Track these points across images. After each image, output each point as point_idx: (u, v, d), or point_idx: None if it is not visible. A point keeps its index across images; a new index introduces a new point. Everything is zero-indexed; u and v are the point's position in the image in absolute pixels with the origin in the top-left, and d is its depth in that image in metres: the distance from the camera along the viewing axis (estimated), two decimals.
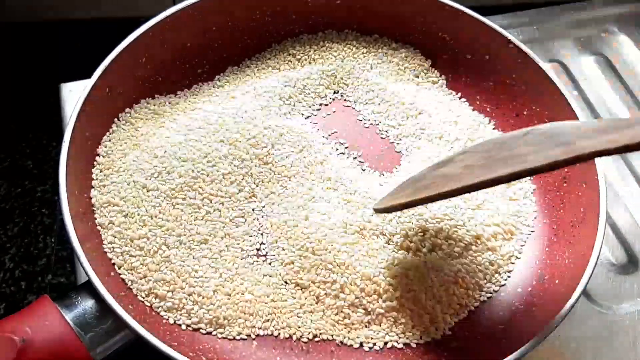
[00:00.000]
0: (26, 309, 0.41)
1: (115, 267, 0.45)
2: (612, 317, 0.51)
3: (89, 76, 0.49)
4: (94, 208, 0.47)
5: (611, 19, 0.72)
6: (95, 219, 0.47)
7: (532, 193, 0.53)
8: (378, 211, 0.46)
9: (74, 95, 0.60)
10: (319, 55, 0.60)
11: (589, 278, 0.43)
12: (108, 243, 0.46)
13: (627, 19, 0.72)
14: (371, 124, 0.56)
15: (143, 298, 0.44)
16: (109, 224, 0.46)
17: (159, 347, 0.39)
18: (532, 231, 0.51)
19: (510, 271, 0.49)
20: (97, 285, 0.40)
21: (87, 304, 0.41)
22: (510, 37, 0.55)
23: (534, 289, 0.48)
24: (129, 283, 0.45)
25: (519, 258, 0.50)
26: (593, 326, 0.50)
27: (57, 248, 0.79)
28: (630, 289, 0.53)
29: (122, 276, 0.45)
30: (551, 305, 0.44)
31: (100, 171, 0.49)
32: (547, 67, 0.54)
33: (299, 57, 0.60)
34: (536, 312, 0.46)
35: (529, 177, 0.54)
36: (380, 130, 0.56)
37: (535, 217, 0.52)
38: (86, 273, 0.41)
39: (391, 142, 0.55)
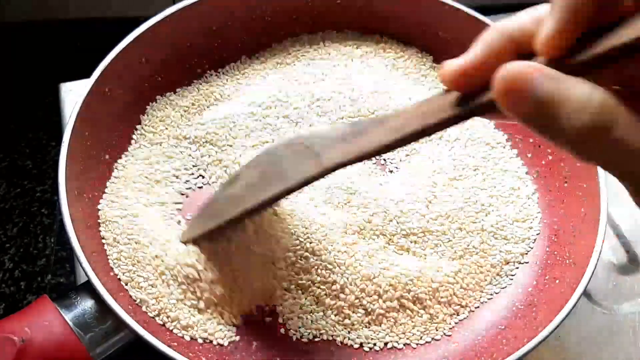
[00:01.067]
0: (26, 309, 0.41)
1: (122, 283, 0.45)
2: (613, 317, 0.51)
3: (88, 76, 0.49)
4: (99, 220, 0.47)
5: None
6: (100, 231, 0.46)
7: (534, 195, 0.53)
8: (184, 242, 0.45)
9: (73, 94, 0.60)
10: (319, 55, 0.60)
11: (590, 278, 0.43)
12: (114, 259, 0.45)
13: None
14: None
15: (153, 317, 0.44)
16: (113, 241, 0.46)
17: (158, 347, 0.39)
18: (538, 233, 0.51)
19: (514, 275, 0.49)
20: (97, 285, 0.40)
21: (86, 304, 0.41)
22: None
23: (535, 289, 0.48)
24: (137, 300, 0.44)
25: (522, 263, 0.50)
26: (594, 326, 0.50)
27: (56, 248, 0.79)
28: (631, 289, 0.52)
29: (130, 293, 0.44)
30: (552, 306, 0.44)
31: (115, 184, 0.49)
32: None
33: (299, 57, 0.60)
34: (537, 313, 0.45)
35: (530, 179, 0.54)
36: None
37: (539, 220, 0.52)
38: (85, 273, 0.41)
39: None
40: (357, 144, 0.31)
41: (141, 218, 0.47)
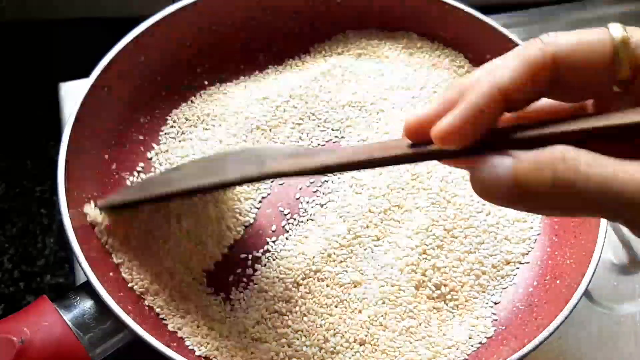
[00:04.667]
0: (25, 309, 0.41)
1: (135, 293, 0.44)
2: (614, 317, 0.51)
3: (87, 75, 0.49)
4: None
5: (612, 18, 0.71)
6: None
7: None
8: (100, 207, 0.46)
9: (72, 94, 0.60)
10: (320, 54, 0.60)
11: (591, 278, 0.43)
12: (126, 269, 0.45)
13: (628, 18, 0.72)
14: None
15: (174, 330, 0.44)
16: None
17: (158, 348, 0.39)
18: (538, 234, 0.51)
19: (514, 275, 0.49)
20: (96, 285, 0.40)
21: (86, 305, 0.41)
22: (511, 36, 0.55)
23: (535, 289, 0.48)
24: (158, 310, 0.44)
25: (523, 263, 0.49)
26: (594, 326, 0.51)
27: (55, 248, 0.79)
28: (632, 289, 0.53)
29: (145, 302, 0.44)
30: (552, 306, 0.44)
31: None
32: None
33: (299, 56, 0.60)
34: (537, 313, 0.45)
35: None
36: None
37: (540, 220, 0.52)
38: (85, 274, 0.41)
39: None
40: (302, 161, 0.33)
41: None
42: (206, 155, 0.42)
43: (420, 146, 0.30)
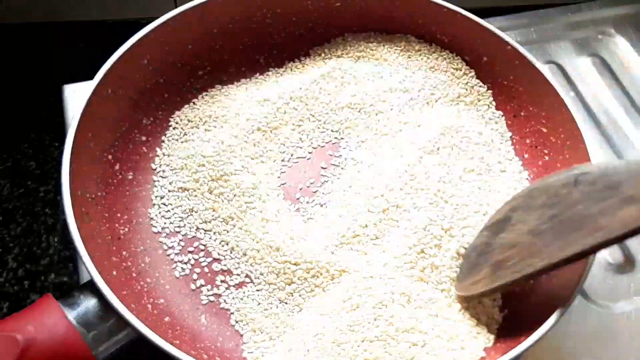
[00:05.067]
0: (29, 308, 0.41)
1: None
2: (609, 315, 0.51)
3: (91, 78, 0.50)
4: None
5: (608, 20, 0.72)
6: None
7: None
8: (463, 295, 0.45)
9: (76, 96, 0.61)
10: (319, 57, 0.60)
11: (586, 277, 0.43)
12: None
13: (623, 20, 0.72)
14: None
15: None
16: None
17: (161, 345, 0.39)
18: None
19: None
20: (100, 284, 0.41)
21: (89, 303, 0.41)
22: (507, 39, 0.56)
23: (531, 287, 0.48)
24: None
25: None
26: (590, 325, 0.51)
27: (59, 248, 0.79)
28: (627, 288, 0.53)
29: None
30: (548, 304, 0.44)
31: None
32: (544, 69, 0.54)
33: (299, 59, 0.60)
34: (533, 311, 0.46)
35: (526, 179, 0.54)
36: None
37: None
38: (89, 272, 0.41)
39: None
40: None
41: None
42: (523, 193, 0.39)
43: None
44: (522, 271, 0.40)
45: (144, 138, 0.54)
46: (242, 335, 0.46)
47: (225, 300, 0.47)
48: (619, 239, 0.34)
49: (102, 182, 0.50)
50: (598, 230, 0.34)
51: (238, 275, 0.48)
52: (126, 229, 0.49)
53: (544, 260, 0.38)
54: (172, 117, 0.56)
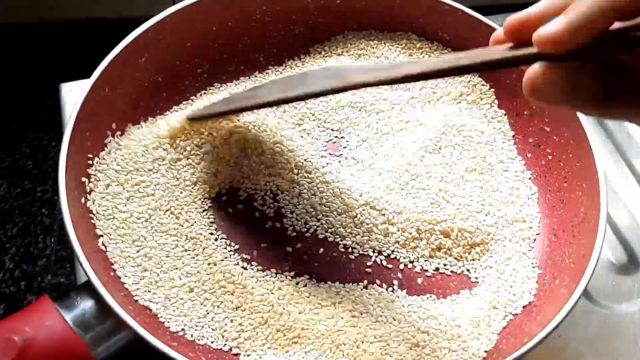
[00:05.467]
0: (26, 309, 0.41)
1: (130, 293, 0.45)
2: (613, 316, 0.51)
3: (88, 76, 0.49)
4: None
5: None
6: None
7: (534, 195, 0.53)
8: (191, 120, 0.49)
9: (73, 95, 0.60)
10: (319, 55, 0.60)
11: (590, 278, 0.43)
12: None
13: None
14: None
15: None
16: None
17: (158, 347, 0.39)
18: (538, 234, 0.51)
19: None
20: (97, 285, 0.40)
21: (87, 304, 0.41)
22: None
23: (534, 289, 0.48)
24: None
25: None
26: (593, 326, 0.51)
27: (56, 248, 0.79)
28: (631, 289, 0.53)
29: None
30: (552, 305, 0.44)
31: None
32: None
33: (299, 57, 0.60)
34: (536, 312, 0.46)
35: (529, 178, 0.54)
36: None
37: (539, 220, 0.52)
38: (86, 273, 0.41)
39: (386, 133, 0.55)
40: (385, 73, 0.33)
41: None
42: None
43: (516, 49, 0.30)
44: (235, 105, 0.45)
45: None
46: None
47: None
48: (310, 95, 0.39)
49: None
50: (305, 88, 0.39)
51: None
52: None
53: (253, 100, 0.43)
54: None
